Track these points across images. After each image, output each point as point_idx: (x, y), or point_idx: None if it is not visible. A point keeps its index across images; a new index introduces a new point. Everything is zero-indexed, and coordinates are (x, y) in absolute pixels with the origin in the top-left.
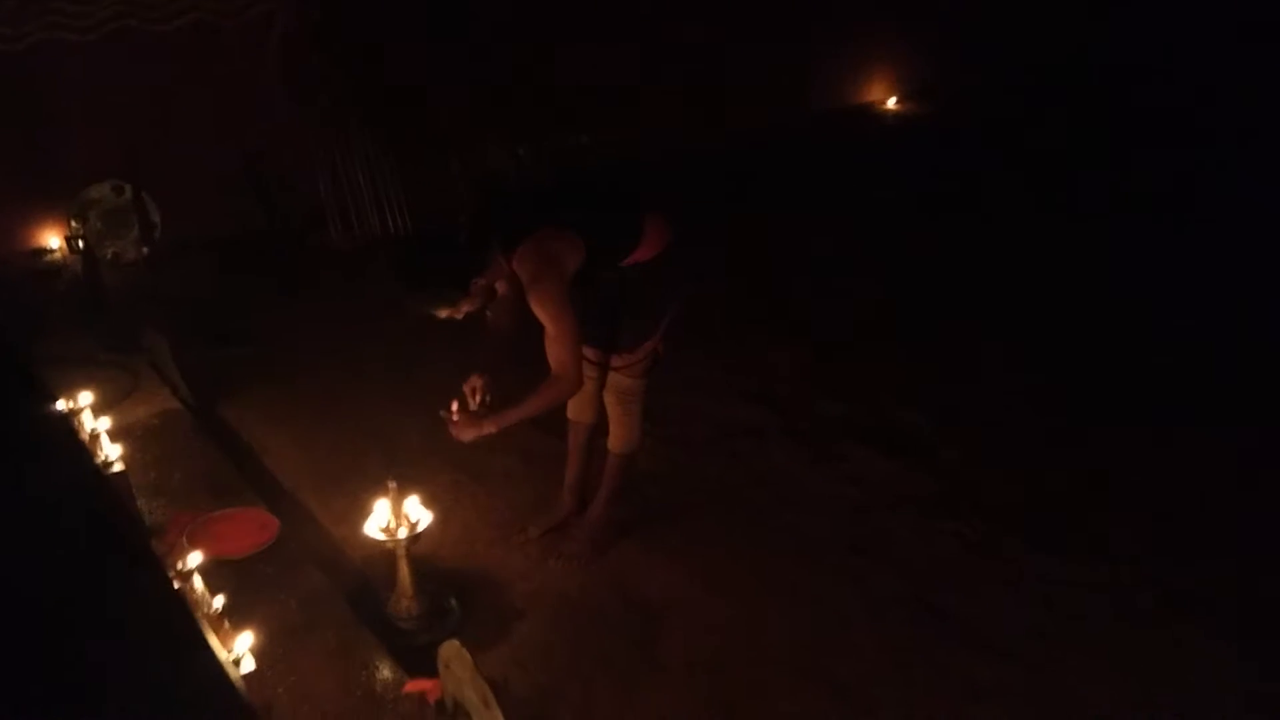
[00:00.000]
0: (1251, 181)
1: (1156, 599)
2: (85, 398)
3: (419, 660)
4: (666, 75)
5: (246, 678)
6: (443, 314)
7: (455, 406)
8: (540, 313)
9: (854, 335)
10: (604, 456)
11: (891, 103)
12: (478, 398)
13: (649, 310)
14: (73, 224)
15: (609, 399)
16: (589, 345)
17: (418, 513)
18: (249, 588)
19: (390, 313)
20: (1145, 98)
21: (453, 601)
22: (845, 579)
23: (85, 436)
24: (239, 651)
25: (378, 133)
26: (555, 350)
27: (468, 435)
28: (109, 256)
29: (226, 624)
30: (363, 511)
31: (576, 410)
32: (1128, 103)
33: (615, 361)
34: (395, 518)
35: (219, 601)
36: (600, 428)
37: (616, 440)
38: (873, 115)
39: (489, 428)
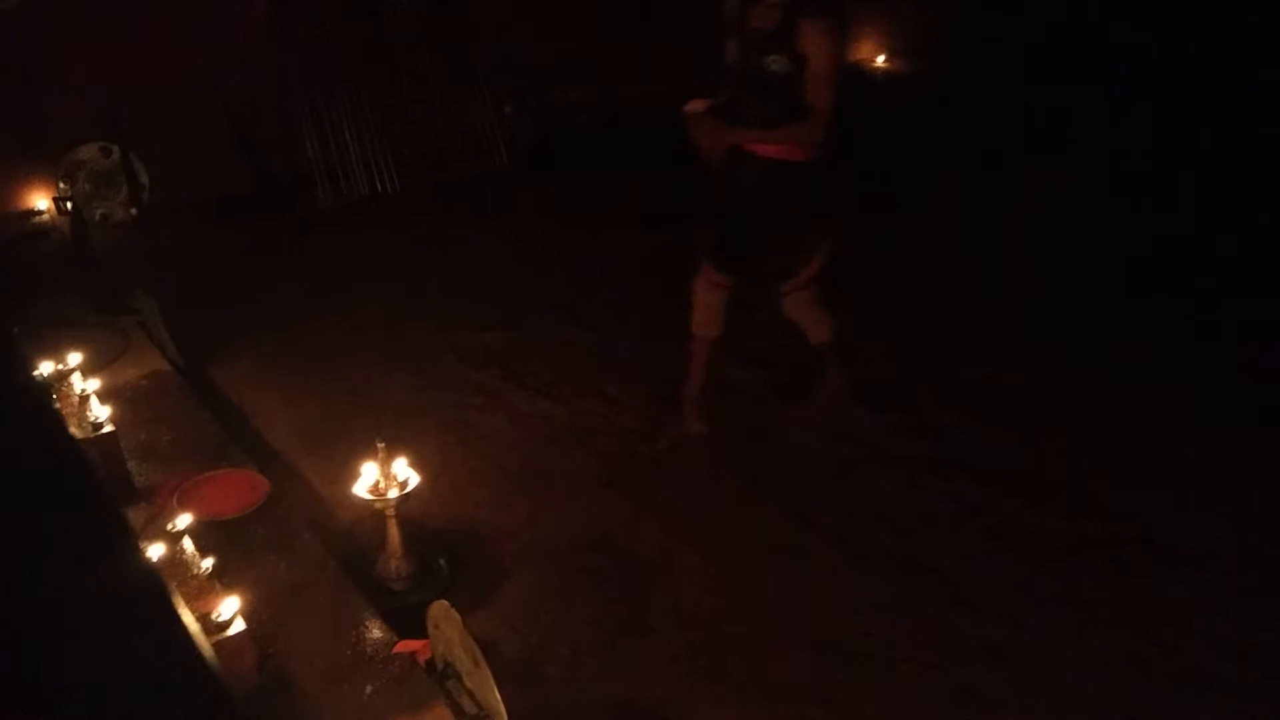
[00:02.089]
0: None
1: (1145, 556)
2: (75, 359)
3: (409, 620)
4: (645, 33)
5: (236, 638)
6: None
7: (698, 107)
8: (825, 49)
9: (842, 292)
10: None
11: (880, 60)
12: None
13: (799, 229)
14: (61, 185)
15: (794, 315)
16: (722, 270)
17: (406, 474)
18: (239, 549)
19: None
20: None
21: (442, 562)
22: (834, 536)
23: (75, 398)
24: (228, 613)
25: (364, 91)
26: (823, 92)
27: (707, 138)
28: (97, 218)
29: (217, 585)
30: (352, 472)
31: (704, 324)
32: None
33: (786, 286)
34: (384, 479)
35: (209, 563)
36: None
37: (818, 334)
38: (861, 73)
39: (730, 137)
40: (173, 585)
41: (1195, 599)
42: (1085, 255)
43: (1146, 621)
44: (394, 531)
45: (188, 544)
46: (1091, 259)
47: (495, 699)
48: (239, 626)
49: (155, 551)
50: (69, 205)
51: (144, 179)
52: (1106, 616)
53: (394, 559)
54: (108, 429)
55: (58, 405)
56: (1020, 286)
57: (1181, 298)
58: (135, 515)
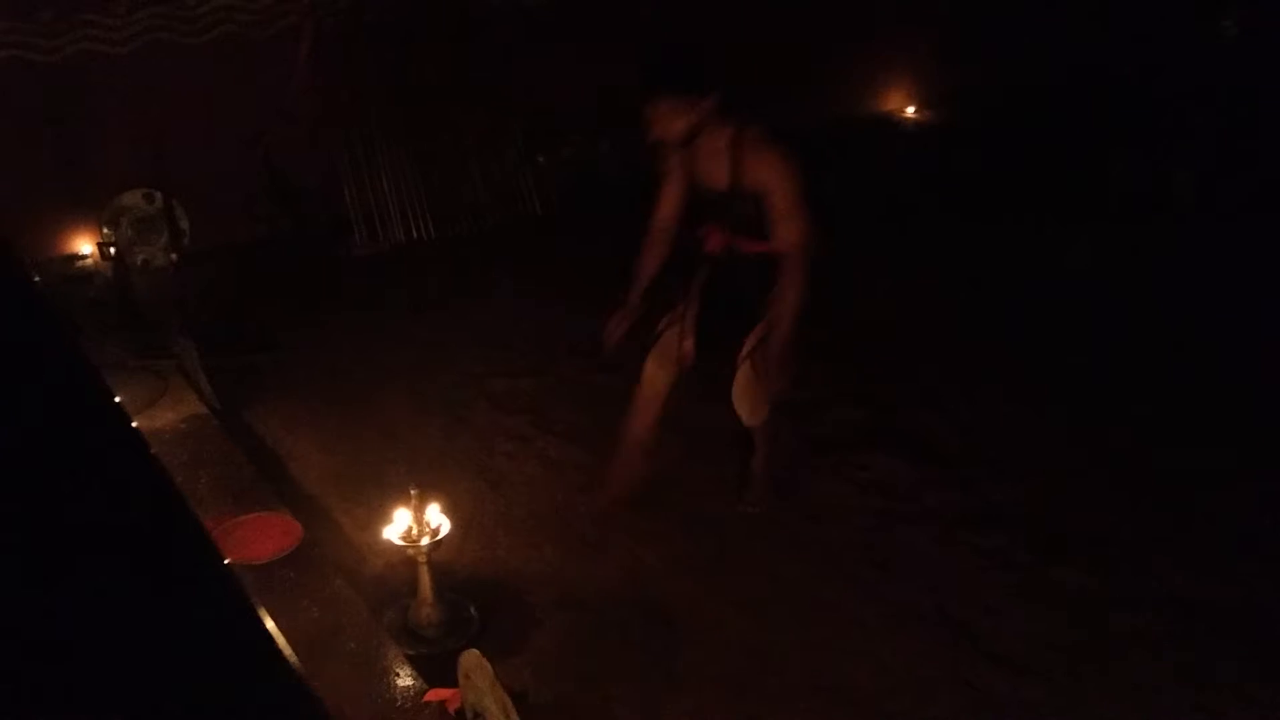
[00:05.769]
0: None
1: (1178, 615)
2: None
3: (439, 669)
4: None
5: None
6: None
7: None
8: (788, 188)
9: (875, 342)
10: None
11: (910, 111)
12: None
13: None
14: (105, 231)
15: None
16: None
17: (439, 520)
18: (271, 593)
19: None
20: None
21: (472, 610)
22: (865, 590)
23: None
24: None
25: (401, 140)
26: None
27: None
28: (139, 263)
29: None
30: (385, 518)
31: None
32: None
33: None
34: (417, 525)
35: None
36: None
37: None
38: (891, 123)
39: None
40: None
41: (1227, 660)
42: (1106, 301)
43: (1177, 681)
44: (425, 578)
45: None
46: (1115, 305)
47: None
48: None
49: None
50: (112, 250)
51: (185, 225)
52: (1138, 673)
53: (425, 606)
54: None
55: None
56: (1049, 337)
57: (1205, 343)
58: None
